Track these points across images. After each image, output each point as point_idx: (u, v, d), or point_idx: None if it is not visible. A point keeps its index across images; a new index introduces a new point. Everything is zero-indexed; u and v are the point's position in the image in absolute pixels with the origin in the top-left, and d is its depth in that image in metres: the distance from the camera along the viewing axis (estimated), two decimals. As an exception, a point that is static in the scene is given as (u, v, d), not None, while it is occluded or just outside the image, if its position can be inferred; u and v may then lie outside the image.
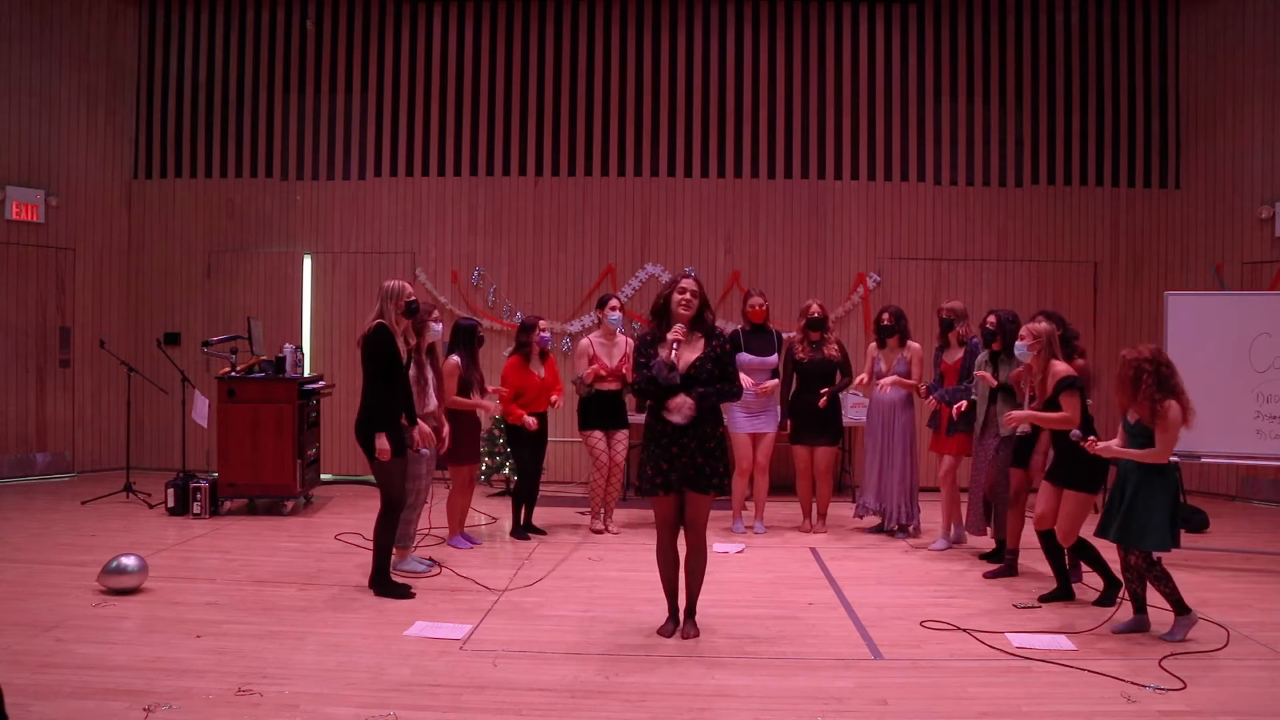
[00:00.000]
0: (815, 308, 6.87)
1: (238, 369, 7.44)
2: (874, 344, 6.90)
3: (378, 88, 9.50)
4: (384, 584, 5.10)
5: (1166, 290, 7.03)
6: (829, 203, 9.30)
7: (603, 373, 6.60)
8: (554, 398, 6.69)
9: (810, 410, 6.81)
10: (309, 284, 9.50)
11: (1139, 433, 4.49)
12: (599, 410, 6.68)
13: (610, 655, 4.18)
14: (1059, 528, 4.98)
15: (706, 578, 4.57)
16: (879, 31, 9.35)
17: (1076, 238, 9.22)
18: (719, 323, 8.42)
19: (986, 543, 6.21)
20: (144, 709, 3.46)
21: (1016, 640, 4.41)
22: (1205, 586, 5.39)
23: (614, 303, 6.83)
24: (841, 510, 7.59)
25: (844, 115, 9.33)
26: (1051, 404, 5.07)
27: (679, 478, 4.32)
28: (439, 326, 5.85)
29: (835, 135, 9.33)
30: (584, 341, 6.80)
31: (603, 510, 6.86)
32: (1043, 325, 5.21)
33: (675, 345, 4.30)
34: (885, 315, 6.78)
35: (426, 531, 6.47)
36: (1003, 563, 5.73)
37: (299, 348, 7.73)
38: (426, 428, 5.46)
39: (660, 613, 4.58)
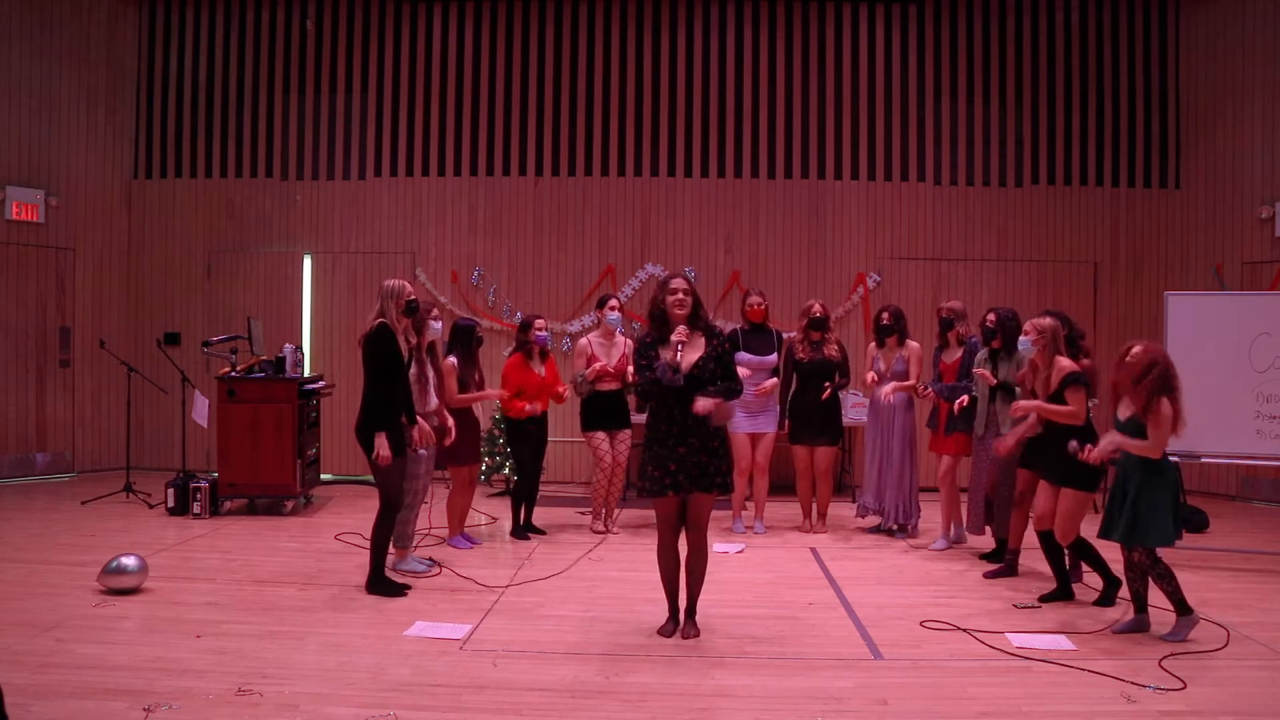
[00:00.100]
0: (817, 307, 6.87)
1: (238, 369, 7.44)
2: (873, 344, 6.90)
3: (378, 88, 9.51)
4: (377, 582, 5.10)
5: (1166, 290, 7.03)
6: (829, 203, 9.30)
7: (609, 370, 6.60)
8: (560, 389, 6.69)
9: (810, 410, 6.81)
10: (309, 284, 9.50)
11: (1132, 430, 4.48)
12: (601, 411, 6.68)
13: (610, 655, 4.18)
14: (1057, 526, 4.98)
15: (707, 578, 4.57)
16: (879, 31, 9.36)
17: (1076, 238, 9.22)
18: (719, 322, 8.47)
19: (986, 542, 6.21)
20: (144, 709, 3.46)
21: (1016, 640, 4.41)
22: (1205, 586, 5.39)
23: (613, 303, 6.84)
24: (841, 510, 7.59)
25: (844, 115, 9.33)
26: (1056, 400, 5.06)
27: (686, 478, 4.33)
28: (438, 325, 5.85)
29: (835, 135, 9.33)
30: (582, 341, 6.80)
31: (604, 510, 6.85)
32: (1047, 321, 5.20)
33: (679, 347, 4.31)
34: (885, 315, 6.78)
35: (426, 531, 6.47)
36: (1003, 562, 5.72)
37: (299, 348, 7.73)
38: (426, 427, 5.47)
39: (660, 613, 4.58)
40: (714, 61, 9.41)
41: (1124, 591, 4.80)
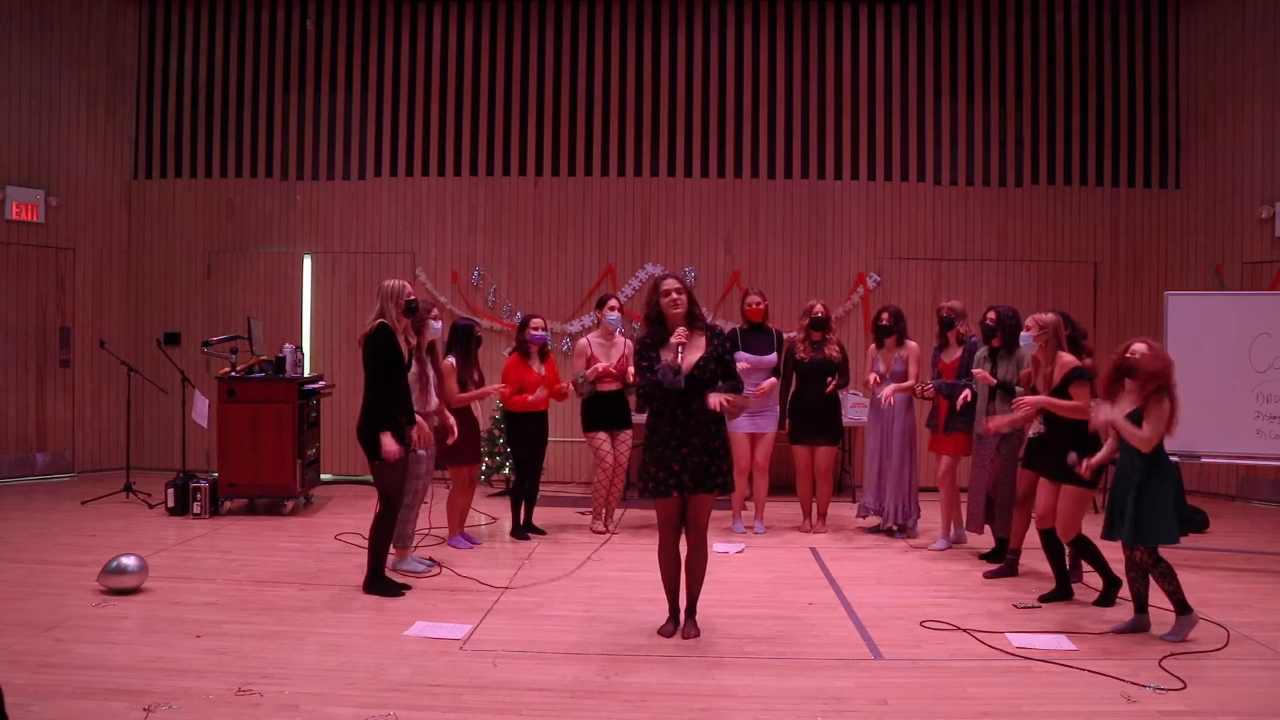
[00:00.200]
0: (819, 308, 6.87)
1: (238, 369, 7.43)
2: (873, 345, 6.90)
3: (378, 88, 9.51)
4: (376, 581, 5.10)
5: (1166, 290, 7.03)
6: (829, 203, 9.30)
7: (610, 371, 6.59)
8: (561, 385, 6.68)
9: (810, 410, 6.81)
10: (309, 284, 9.50)
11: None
12: (603, 411, 6.68)
13: (610, 655, 4.18)
14: (1059, 523, 4.98)
15: (707, 578, 4.57)
16: (879, 31, 9.36)
17: (1076, 238, 9.22)
18: (719, 322, 8.48)
19: (986, 542, 6.21)
20: (144, 709, 3.46)
21: (1016, 640, 4.41)
22: (1205, 586, 5.39)
23: (613, 303, 6.83)
24: (841, 510, 7.59)
25: (844, 115, 9.33)
26: (1061, 394, 5.06)
27: (690, 478, 4.33)
28: (438, 324, 5.85)
29: (835, 135, 9.33)
30: (582, 342, 6.79)
31: (604, 510, 6.85)
32: (1049, 316, 5.19)
33: (680, 348, 4.31)
34: (884, 315, 6.78)
35: (426, 531, 6.47)
36: (1003, 562, 5.72)
37: (299, 348, 7.73)
38: (426, 427, 5.46)
39: (660, 613, 4.58)
40: (714, 61, 9.41)
41: (1124, 591, 4.80)
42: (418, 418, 5.39)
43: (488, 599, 5.06)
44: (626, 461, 6.81)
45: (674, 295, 4.40)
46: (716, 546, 6.20)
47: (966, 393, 6.11)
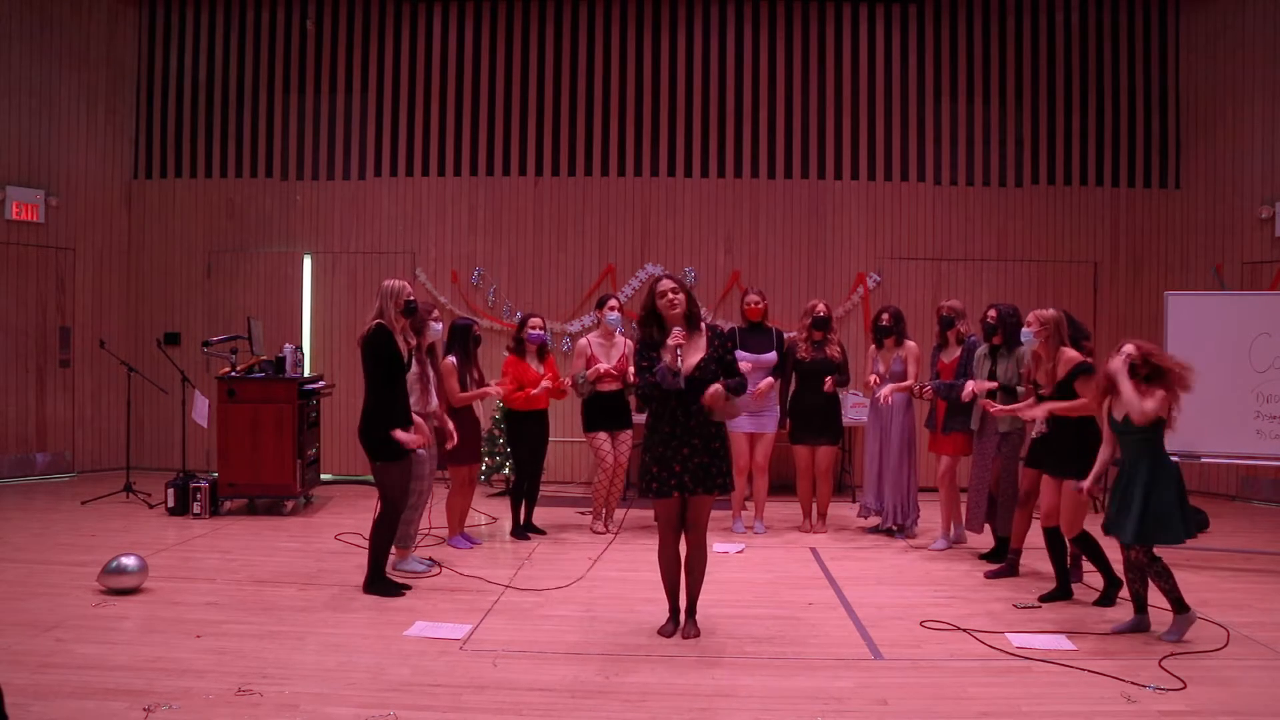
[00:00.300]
0: (821, 307, 6.87)
1: (238, 369, 7.43)
2: (873, 345, 6.90)
3: (378, 88, 9.51)
4: (376, 582, 5.10)
5: (1166, 290, 7.04)
6: (829, 203, 9.30)
7: (611, 372, 6.59)
8: (561, 382, 6.67)
9: (811, 410, 6.81)
10: (309, 284, 9.50)
11: (1129, 429, 4.46)
12: (603, 411, 6.68)
13: (610, 655, 4.18)
14: (1063, 519, 4.98)
15: (706, 578, 4.57)
16: (879, 31, 9.36)
17: (1076, 238, 9.22)
18: (719, 321, 8.48)
19: (986, 542, 6.21)
20: (144, 709, 3.46)
21: (1016, 640, 4.41)
22: (1205, 586, 5.39)
23: (613, 303, 6.83)
24: (841, 510, 7.59)
25: (844, 115, 9.33)
26: (1065, 390, 5.05)
27: (690, 479, 4.33)
28: (439, 326, 5.85)
29: (835, 135, 9.33)
30: (582, 342, 6.79)
31: (604, 510, 6.85)
32: (1050, 312, 5.18)
33: (679, 349, 4.29)
34: (884, 316, 6.78)
35: (427, 531, 6.46)
36: (1003, 562, 5.72)
37: (299, 348, 7.73)
38: (426, 427, 5.46)
39: (660, 613, 4.58)
40: (714, 61, 9.41)
41: (1124, 592, 4.79)
42: (417, 418, 5.39)
43: (488, 599, 5.05)
44: (627, 461, 6.81)
45: (670, 296, 4.37)
46: (716, 546, 6.20)
47: (969, 386, 6.02)
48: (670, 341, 4.32)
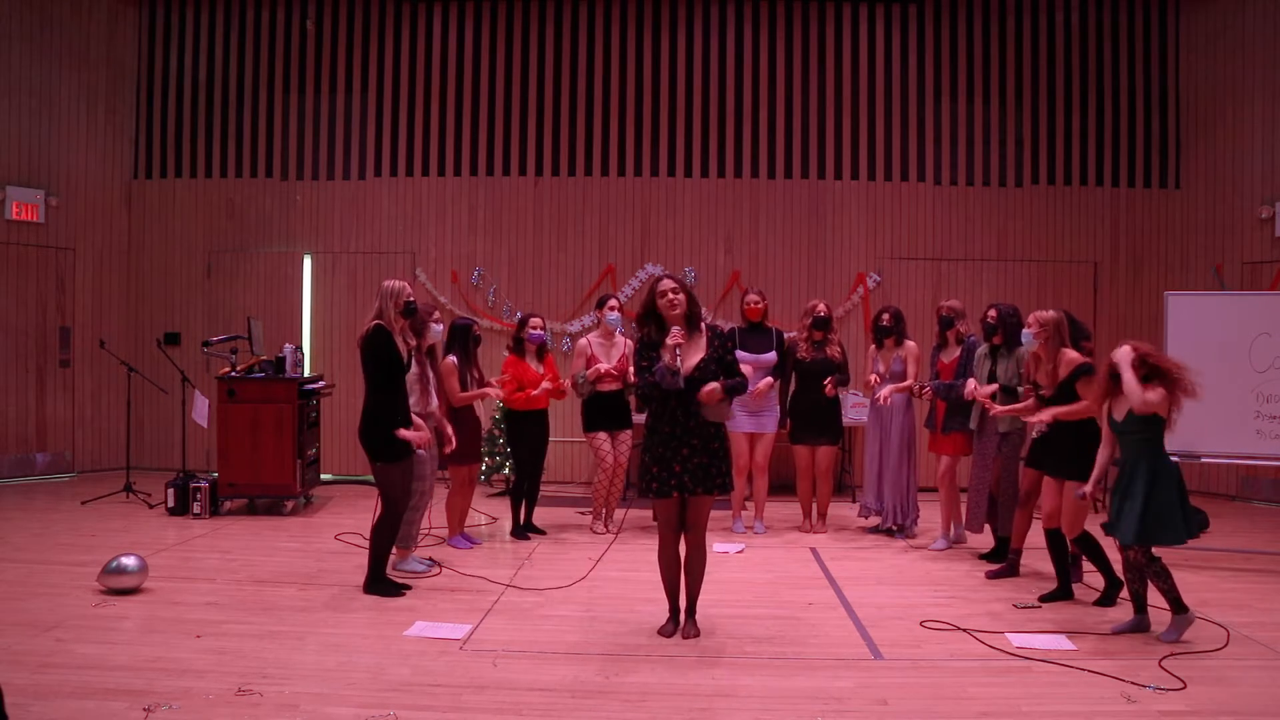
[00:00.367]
0: (822, 307, 6.87)
1: (238, 369, 7.43)
2: (873, 345, 6.90)
3: (378, 88, 9.51)
4: (376, 582, 5.10)
5: (1166, 290, 7.04)
6: (829, 203, 9.30)
7: (611, 372, 6.59)
8: (561, 382, 6.67)
9: (811, 410, 6.81)
10: (309, 284, 9.50)
11: (1129, 429, 4.46)
12: (603, 411, 6.67)
13: (610, 655, 4.18)
14: (1064, 519, 4.98)
15: (706, 578, 4.57)
16: (879, 31, 9.36)
17: (1076, 238, 9.22)
18: (719, 321, 8.48)
19: (986, 542, 6.21)
20: (144, 709, 3.46)
21: (1016, 640, 4.41)
22: (1205, 586, 5.39)
23: (613, 303, 6.83)
24: (841, 510, 7.59)
25: (844, 115, 9.33)
26: (1066, 391, 5.05)
27: (690, 479, 4.32)
28: (439, 328, 5.85)
29: (835, 135, 9.33)
30: (582, 342, 6.79)
31: (604, 510, 6.85)
32: (1050, 314, 5.18)
33: (678, 349, 4.29)
34: (885, 316, 6.78)
35: (427, 531, 6.45)
36: (1004, 562, 5.72)
37: (299, 348, 7.73)
38: (425, 427, 5.46)
39: (660, 613, 4.58)
40: (714, 61, 9.41)
41: (1124, 592, 4.79)
42: (416, 418, 5.38)
43: (488, 599, 5.05)
44: (626, 461, 6.81)
45: (671, 296, 4.36)
46: (716, 546, 6.21)
47: (971, 384, 5.99)
48: (669, 341, 4.32)
